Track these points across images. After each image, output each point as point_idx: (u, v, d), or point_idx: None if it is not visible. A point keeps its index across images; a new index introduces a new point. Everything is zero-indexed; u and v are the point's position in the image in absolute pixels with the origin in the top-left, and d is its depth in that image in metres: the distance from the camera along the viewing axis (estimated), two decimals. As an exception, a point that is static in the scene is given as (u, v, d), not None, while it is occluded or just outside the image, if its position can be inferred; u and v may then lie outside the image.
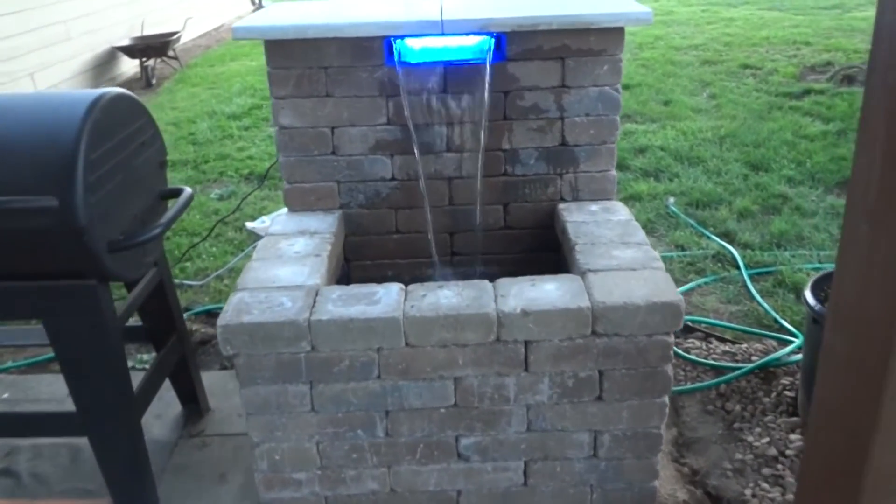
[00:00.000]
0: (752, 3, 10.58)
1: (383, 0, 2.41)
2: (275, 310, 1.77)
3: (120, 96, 1.86)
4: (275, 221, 2.28)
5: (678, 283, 3.28)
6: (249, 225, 3.95)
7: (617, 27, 2.10)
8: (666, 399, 1.85)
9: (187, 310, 3.16)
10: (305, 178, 2.31)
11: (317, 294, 1.84)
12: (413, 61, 2.19)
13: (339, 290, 1.85)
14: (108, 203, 1.76)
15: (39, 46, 6.55)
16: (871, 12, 9.32)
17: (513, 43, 2.15)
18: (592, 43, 2.14)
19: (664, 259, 3.50)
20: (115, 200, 1.80)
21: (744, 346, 2.76)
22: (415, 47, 2.18)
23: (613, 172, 2.31)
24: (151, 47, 7.82)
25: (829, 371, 1.51)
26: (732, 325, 2.93)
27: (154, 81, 7.74)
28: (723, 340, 2.81)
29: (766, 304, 3.03)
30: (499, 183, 2.33)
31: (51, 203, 1.62)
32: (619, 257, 1.94)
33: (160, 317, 2.25)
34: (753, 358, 2.65)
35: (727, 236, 3.70)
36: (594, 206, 2.28)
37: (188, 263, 3.59)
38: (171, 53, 8.09)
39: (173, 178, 4.79)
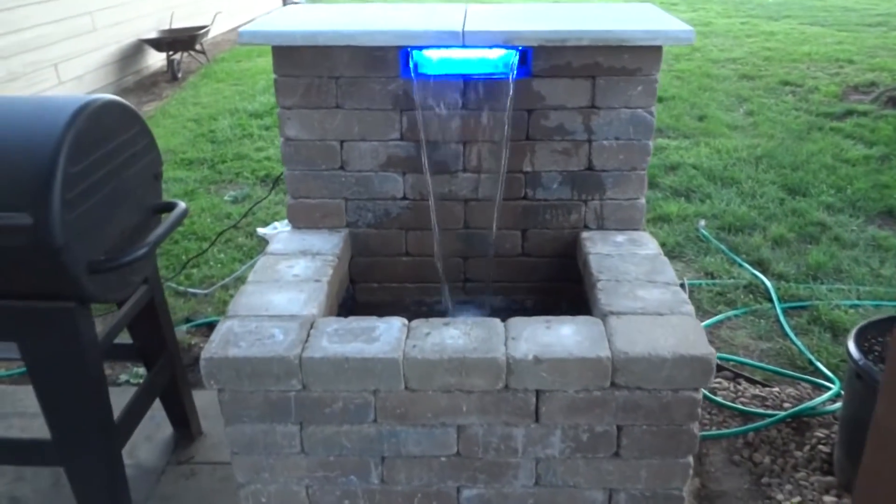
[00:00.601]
0: (794, 16, 10.29)
1: (402, 7, 2.24)
2: (264, 343, 1.62)
3: (110, 104, 1.72)
4: (276, 238, 2.14)
5: (706, 314, 3.10)
6: (261, 231, 3.82)
7: (654, 45, 1.93)
8: (690, 459, 1.67)
9: (188, 321, 3.03)
10: (311, 193, 2.16)
11: (312, 326, 1.69)
12: (430, 73, 2.03)
13: (335, 323, 1.70)
14: (90, 220, 1.63)
15: (64, 37, 6.49)
16: (918, 30, 9.03)
17: (539, 58, 1.98)
18: (626, 61, 1.97)
19: (692, 287, 3.32)
20: (98, 217, 1.66)
21: (775, 389, 2.57)
22: (433, 59, 2.02)
23: (643, 201, 2.13)
24: (179, 41, 7.76)
25: (880, 445, 1.33)
26: (763, 364, 2.73)
27: (180, 75, 7.67)
28: (753, 382, 2.62)
29: (800, 344, 2.83)
30: (518, 207, 2.16)
31: (24, 221, 1.48)
32: (644, 298, 1.77)
33: (150, 336, 2.12)
34: (786, 405, 2.45)
35: (760, 265, 3.50)
36: (620, 237, 2.11)
37: (194, 270, 3.47)
38: (198, 48, 8.02)
39: (189, 178, 4.69)
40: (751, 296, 3.25)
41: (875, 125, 5.47)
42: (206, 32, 8.04)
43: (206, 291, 3.27)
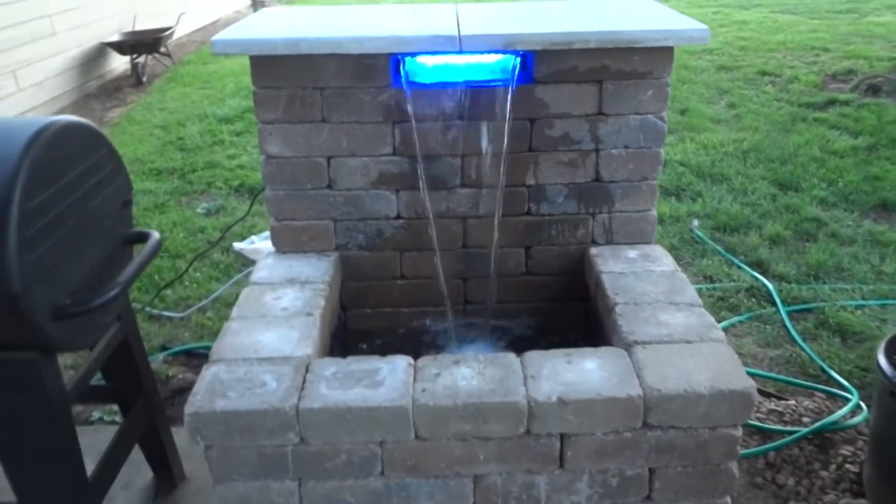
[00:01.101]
0: (765, 5, 10.26)
1: (391, 10, 2.07)
2: (256, 392, 1.45)
3: (71, 126, 1.53)
4: (260, 265, 1.96)
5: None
6: (237, 246, 3.62)
7: (666, 47, 1.78)
8: (728, 500, 1.54)
9: (164, 348, 2.83)
10: (296, 214, 1.98)
11: (307, 370, 1.52)
12: (424, 82, 1.86)
13: (333, 366, 1.53)
14: (53, 260, 1.44)
15: (22, 42, 6.20)
16: (888, 17, 9.04)
17: (542, 62, 1.83)
18: (636, 64, 1.82)
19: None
20: (62, 255, 1.47)
21: (791, 402, 2.44)
22: (427, 66, 1.85)
23: (654, 213, 1.99)
24: (142, 43, 7.47)
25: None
26: (776, 375, 2.61)
27: (145, 79, 7.40)
28: (766, 395, 2.50)
29: (811, 351, 2.72)
30: (521, 223, 2.01)
31: (-26, 265, 1.29)
32: (669, 324, 1.62)
33: (125, 377, 1.93)
34: (805, 419, 2.33)
35: (759, 266, 3.38)
36: (632, 252, 1.96)
37: (168, 291, 3.26)
38: (163, 50, 7.74)
39: (158, 189, 4.47)
40: (753, 299, 3.13)
41: (858, 114, 5.40)
42: (171, 34, 7.77)
43: (182, 315, 3.07)
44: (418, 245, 2.02)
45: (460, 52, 1.76)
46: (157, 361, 2.74)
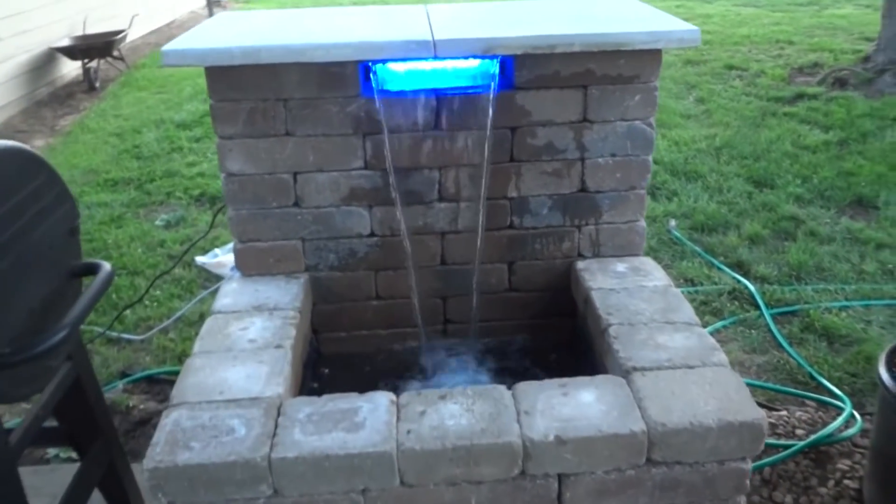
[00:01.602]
0: (726, -2, 10.29)
1: (357, 12, 1.93)
2: (222, 441, 1.31)
3: (5, 153, 1.37)
4: (223, 291, 1.81)
5: (693, 327, 2.88)
6: (200, 260, 3.45)
7: (654, 49, 1.67)
8: (736, 535, 1.43)
9: (124, 375, 2.66)
10: (261, 235, 1.84)
11: (279, 412, 1.38)
12: (396, 90, 1.73)
13: (308, 406, 1.39)
14: (-13, 302, 1.28)
15: (-36, 49, 5.93)
16: (848, 9, 9.10)
17: (523, 67, 1.71)
18: (622, 68, 1.71)
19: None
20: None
21: (783, 412, 2.36)
22: (399, 73, 1.72)
23: (642, 223, 1.89)
24: (94, 48, 7.20)
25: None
26: (765, 383, 2.53)
27: (98, 85, 7.13)
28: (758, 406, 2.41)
29: (799, 357, 2.65)
30: (503, 237, 1.89)
31: None
32: (667, 346, 1.52)
33: (80, 419, 1.76)
34: (798, 431, 2.25)
35: (740, 267, 3.31)
36: (621, 266, 1.86)
37: (127, 311, 3.08)
38: (115, 54, 7.47)
39: (114, 201, 4.26)
40: (736, 303, 3.06)
41: (827, 108, 5.39)
42: (124, 37, 7.50)
43: (142, 337, 2.90)
44: (394, 263, 1.89)
45: (435, 57, 1.63)
46: (116, 390, 2.57)
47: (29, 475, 2.21)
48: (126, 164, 4.90)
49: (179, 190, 4.41)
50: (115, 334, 2.93)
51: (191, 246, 3.33)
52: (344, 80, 1.69)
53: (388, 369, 1.91)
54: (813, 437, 2.19)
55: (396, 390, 1.75)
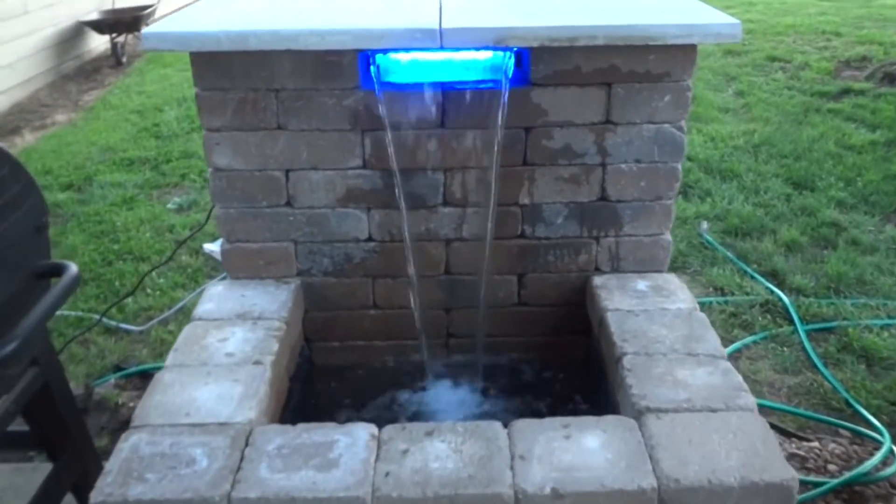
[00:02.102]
0: (772, -15, 9.89)
1: (360, -4, 1.77)
2: (180, 475, 1.17)
3: (-47, 142, 1.24)
4: (207, 295, 1.68)
5: (721, 341, 2.69)
6: (207, 247, 3.33)
7: (688, 44, 1.49)
8: None
9: (119, 368, 2.56)
10: (250, 236, 1.70)
11: (247, 442, 1.24)
12: (399, 82, 1.57)
13: (279, 437, 1.25)
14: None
15: (-10, 22, 5.86)
16: (900, 1, 8.69)
17: (540, 61, 1.54)
18: (651, 64, 1.53)
19: (700, 305, 2.92)
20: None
21: (814, 444, 2.18)
22: (402, 64, 1.56)
23: (668, 237, 1.71)
24: (122, 22, 7.12)
25: None
26: (796, 409, 2.34)
27: (124, 60, 7.06)
28: (786, 434, 2.23)
29: (835, 381, 2.45)
30: (513, 247, 1.73)
31: None
32: (687, 384, 1.35)
33: (49, 425, 1.65)
34: (830, 466, 2.06)
35: (774, 276, 3.11)
36: (642, 284, 1.68)
37: (129, 299, 2.98)
38: (143, 29, 7.39)
39: (128, 181, 4.17)
40: (768, 316, 2.86)
41: (875, 105, 5.09)
42: (153, 12, 7.40)
43: (140, 328, 2.79)
44: (393, 271, 1.74)
45: (442, 48, 1.47)
46: (107, 385, 2.46)
47: (10, 474, 2.13)
48: (144, 143, 4.80)
49: (194, 172, 4.30)
50: (113, 323, 2.82)
51: (199, 227, 3.21)
52: (341, 70, 1.53)
53: (382, 385, 1.77)
54: (847, 474, 2.00)
55: (388, 410, 1.62)
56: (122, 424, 2.30)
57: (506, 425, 1.27)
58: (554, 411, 1.69)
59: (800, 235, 3.41)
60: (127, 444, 1.24)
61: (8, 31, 6.04)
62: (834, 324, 2.78)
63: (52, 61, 6.65)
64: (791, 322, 2.79)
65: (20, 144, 5.05)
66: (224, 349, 1.48)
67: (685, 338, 1.49)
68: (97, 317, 2.79)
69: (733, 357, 2.61)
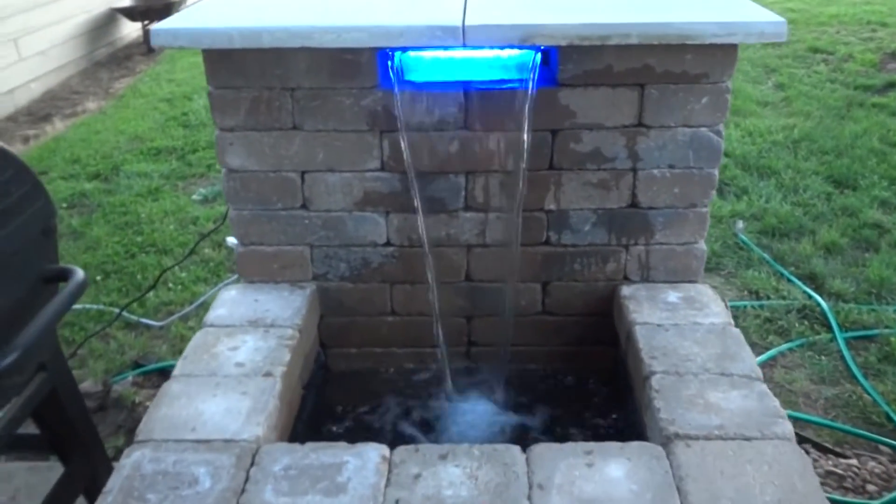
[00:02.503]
0: (815, -27, 9.60)
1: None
2: (182, 495, 1.12)
3: (-45, 144, 1.20)
4: (220, 299, 1.63)
5: (755, 348, 2.59)
6: (231, 241, 3.29)
7: (728, 44, 1.39)
8: None
9: (137, 365, 2.53)
10: (265, 239, 1.64)
11: (253, 461, 1.19)
12: (420, 81, 1.50)
13: (287, 456, 1.20)
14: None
15: (24, 8, 5.88)
16: (950, -11, 8.36)
17: (569, 60, 1.45)
18: (688, 64, 1.43)
19: (734, 309, 2.81)
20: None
21: (852, 461, 2.07)
22: (423, 62, 1.48)
23: (702, 246, 1.62)
24: (153, 9, 7.12)
25: None
26: (834, 422, 2.24)
27: (156, 47, 7.06)
28: (823, 450, 2.13)
29: (875, 393, 2.33)
30: (537, 255, 1.65)
31: None
32: (720, 408, 1.26)
33: (59, 430, 1.62)
34: (870, 487, 1.96)
35: (813, 280, 2.98)
36: (673, 295, 1.60)
37: (150, 293, 2.95)
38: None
39: (154, 172, 4.15)
40: (805, 322, 2.74)
41: (922, 100, 4.90)
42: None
43: (160, 324, 2.76)
44: (412, 277, 1.67)
45: (464, 46, 1.39)
46: (125, 382, 2.44)
47: (25, 473, 2.11)
48: (172, 133, 4.79)
49: (220, 163, 4.26)
50: (134, 318, 2.80)
51: (223, 219, 3.18)
52: (359, 68, 1.46)
53: (399, 393, 1.71)
54: (887, 496, 1.90)
55: (404, 420, 1.56)
56: (137, 423, 2.28)
57: (524, 449, 1.20)
58: (577, 426, 1.62)
59: (840, 237, 3.28)
60: (129, 461, 1.20)
61: (40, 18, 6.07)
62: (875, 332, 2.65)
63: (84, 48, 6.67)
64: (829, 329, 2.67)
65: (50, 132, 5.07)
66: (234, 358, 1.43)
67: (718, 356, 1.40)
68: (118, 311, 2.77)
69: (768, 365, 2.51)
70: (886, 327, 2.67)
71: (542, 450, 1.19)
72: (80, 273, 1.41)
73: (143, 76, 6.28)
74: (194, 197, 3.85)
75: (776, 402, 1.28)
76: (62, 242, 3.39)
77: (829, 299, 2.84)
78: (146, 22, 7.11)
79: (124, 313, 2.78)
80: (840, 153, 4.15)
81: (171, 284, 3.02)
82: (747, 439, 1.20)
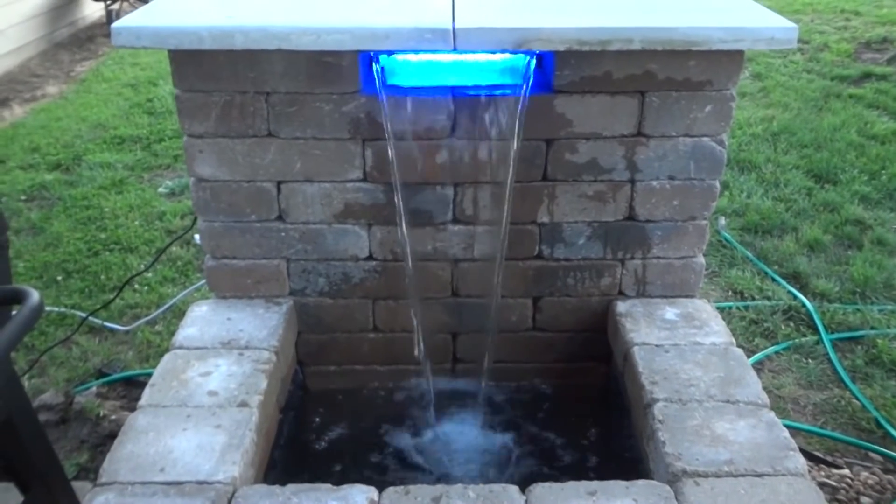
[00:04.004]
0: (788, -41, 9.59)
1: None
2: (150, 550, 1.02)
3: None
4: (190, 317, 1.52)
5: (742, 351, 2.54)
6: (199, 238, 3.16)
7: (735, 50, 1.31)
8: None
9: (101, 374, 2.40)
10: (238, 252, 1.53)
11: (229, 507, 1.09)
12: (405, 86, 1.39)
13: (267, 501, 1.10)
14: None
15: (-21, -14, 5.63)
16: (923, -23, 8.40)
17: (565, 66, 1.36)
18: (692, 71, 1.35)
19: (720, 310, 2.76)
20: None
21: (845, 471, 2.03)
22: (409, 65, 1.38)
23: (701, 260, 1.54)
24: (117, -11, 6.89)
25: None
26: (822, 429, 2.20)
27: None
28: (815, 460, 2.08)
29: (863, 398, 2.30)
30: (528, 269, 1.56)
31: None
32: (728, 440, 1.19)
33: (16, 459, 1.50)
34: (864, 499, 1.92)
35: (797, 280, 2.94)
36: (670, 312, 1.52)
37: (112, 294, 2.81)
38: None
39: (118, 162, 3.98)
40: (791, 324, 2.69)
41: (898, 92, 4.90)
42: (148, -21, 7.16)
43: (126, 328, 2.63)
44: (396, 292, 1.57)
45: (455, 50, 1.29)
46: (89, 393, 2.31)
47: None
48: (136, 120, 4.61)
49: (188, 153, 4.11)
50: (98, 322, 2.66)
51: (189, 229, 3.05)
52: (340, 72, 1.35)
53: (381, 415, 1.62)
54: (881, 511, 1.86)
55: (387, 446, 1.48)
56: (104, 438, 2.15)
57: (523, 490, 1.12)
58: (570, 449, 1.54)
59: (823, 234, 3.24)
60: (92, 507, 1.09)
61: (-3, -4, 5.82)
62: (861, 333, 2.62)
63: (44, 29, 6.42)
64: (815, 330, 2.63)
65: (9, 118, 4.86)
66: (206, 386, 1.33)
67: (722, 380, 1.33)
68: (81, 314, 2.63)
69: (755, 368, 2.46)
70: (872, 328, 2.64)
71: (543, 491, 1.11)
72: (35, 295, 1.28)
73: (107, 59, 6.05)
74: (161, 190, 3.69)
75: (786, 433, 1.22)
76: (21, 238, 3.23)
77: (813, 299, 2.80)
78: (109, 2, 6.87)
79: (91, 319, 2.65)
80: (819, 146, 4.12)
81: (136, 286, 2.88)
82: (759, 475, 1.13)
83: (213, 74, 1.36)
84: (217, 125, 1.40)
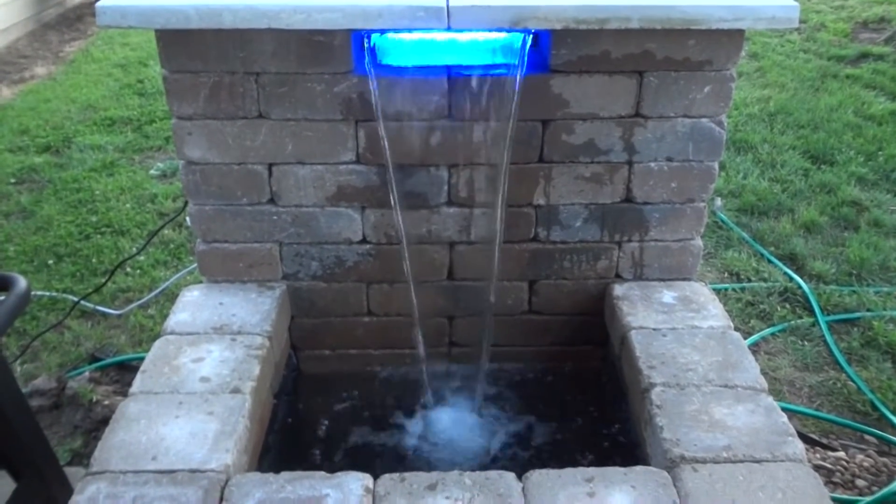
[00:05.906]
0: (786, -62, 9.51)
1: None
2: (141, 540, 1.01)
3: None
4: (182, 302, 1.50)
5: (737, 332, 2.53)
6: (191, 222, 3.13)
7: (735, 29, 1.28)
8: None
9: (94, 359, 2.38)
10: (230, 236, 1.51)
11: (222, 495, 1.07)
12: (399, 66, 1.37)
13: (260, 489, 1.08)
14: None
15: (-37, -35, 5.54)
16: (920, -45, 8.34)
17: (562, 45, 1.33)
18: (691, 50, 1.32)
19: (717, 293, 2.75)
20: None
21: (840, 454, 2.03)
22: (402, 45, 1.35)
23: (699, 242, 1.53)
24: (105, -33, 6.79)
25: None
26: (818, 412, 2.19)
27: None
28: (811, 442, 2.08)
29: (859, 380, 2.29)
30: (524, 252, 1.54)
31: None
32: (726, 426, 1.18)
33: (8, 448, 1.48)
34: (859, 482, 1.92)
35: (793, 261, 2.93)
36: (668, 295, 1.51)
37: (104, 278, 2.79)
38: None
39: (109, 144, 3.94)
40: (787, 305, 2.69)
41: (895, 71, 4.87)
42: (137, -43, 7.05)
43: (118, 312, 2.61)
44: (390, 276, 1.55)
45: (448, 29, 1.26)
46: (81, 378, 2.29)
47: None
48: (127, 102, 4.56)
49: (179, 135, 4.06)
50: (90, 306, 2.64)
51: (180, 211, 3.01)
52: (331, 52, 1.32)
53: (376, 399, 1.61)
54: (878, 492, 1.86)
55: (382, 432, 1.46)
56: (97, 424, 2.14)
57: (520, 476, 1.11)
58: (566, 432, 1.53)
59: (819, 215, 3.23)
60: (83, 497, 1.08)
61: (-17, -24, 5.73)
62: (857, 314, 2.61)
63: (33, 8, 6.33)
64: (811, 312, 2.63)
65: (-3, 100, 4.80)
66: (199, 372, 1.31)
67: (720, 364, 1.31)
68: (73, 298, 2.61)
69: (751, 350, 2.45)
70: (868, 310, 2.63)
71: (540, 479, 1.10)
72: (22, 282, 1.26)
73: (96, 39, 5.98)
74: (152, 172, 3.66)
75: (784, 418, 1.21)
76: (11, 222, 3.20)
77: (809, 281, 2.79)
78: (98, -19, 6.77)
79: (83, 302, 2.62)
80: (816, 127, 4.10)
81: (129, 269, 2.85)
82: (757, 461, 1.12)
83: (202, 55, 1.33)
84: (206, 106, 1.37)
